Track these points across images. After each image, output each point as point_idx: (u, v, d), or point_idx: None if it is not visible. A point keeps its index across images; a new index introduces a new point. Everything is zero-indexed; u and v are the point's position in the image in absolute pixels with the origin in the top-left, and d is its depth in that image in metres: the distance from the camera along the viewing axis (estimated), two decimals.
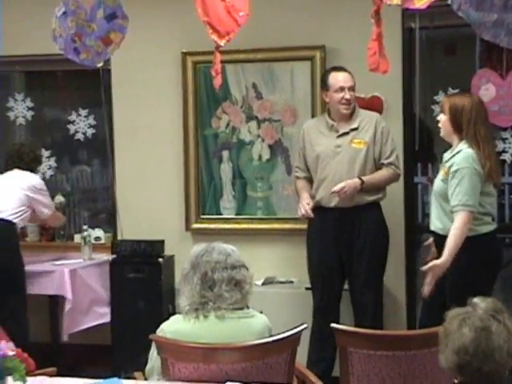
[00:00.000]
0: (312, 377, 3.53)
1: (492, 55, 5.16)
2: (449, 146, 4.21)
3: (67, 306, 5.31)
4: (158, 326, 3.14)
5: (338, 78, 4.84)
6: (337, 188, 4.72)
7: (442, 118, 4.19)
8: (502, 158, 5.28)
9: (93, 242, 5.78)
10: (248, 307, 3.15)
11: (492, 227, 4.14)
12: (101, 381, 3.02)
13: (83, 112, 6.19)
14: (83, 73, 5.68)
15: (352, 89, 4.84)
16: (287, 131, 5.57)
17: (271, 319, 3.21)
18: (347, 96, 4.81)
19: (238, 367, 2.96)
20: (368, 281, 4.85)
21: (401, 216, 5.38)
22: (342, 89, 4.81)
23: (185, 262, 3.18)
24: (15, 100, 6.33)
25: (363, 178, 4.78)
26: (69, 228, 6.22)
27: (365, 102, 5.28)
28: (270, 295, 5.22)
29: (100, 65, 4.91)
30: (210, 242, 3.20)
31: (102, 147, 6.02)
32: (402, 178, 5.13)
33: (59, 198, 6.06)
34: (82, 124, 6.20)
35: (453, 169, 4.02)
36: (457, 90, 5.16)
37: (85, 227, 5.77)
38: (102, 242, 5.94)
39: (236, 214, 5.72)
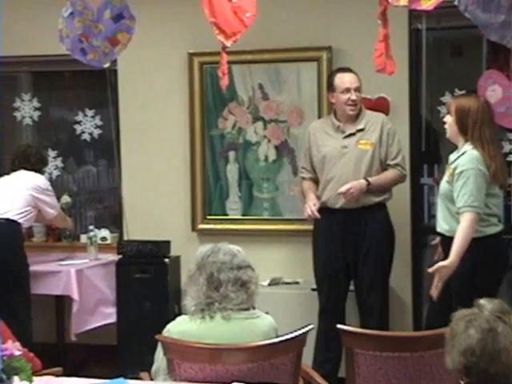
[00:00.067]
0: (318, 378, 3.53)
1: (499, 56, 5.15)
2: (455, 148, 4.21)
3: (75, 307, 5.31)
4: (163, 327, 3.15)
5: (344, 79, 4.84)
6: (343, 189, 4.72)
7: (448, 120, 4.19)
8: (508, 159, 5.26)
9: (99, 242, 5.78)
10: (254, 308, 3.15)
11: (498, 228, 4.13)
12: (107, 381, 3.02)
13: (90, 112, 6.20)
14: (90, 73, 5.70)
15: (358, 90, 4.84)
16: (293, 132, 5.57)
17: (277, 320, 3.21)
18: (353, 97, 4.80)
19: (244, 368, 2.96)
20: (374, 282, 4.85)
21: (407, 217, 5.38)
22: (348, 90, 4.81)
23: (191, 263, 3.18)
24: (22, 100, 6.34)
25: (369, 179, 4.77)
26: (75, 228, 6.22)
27: (371, 103, 5.27)
28: (275, 296, 5.21)
29: (107, 65, 4.93)
30: (215, 243, 3.20)
31: (108, 148, 6.02)
32: (408, 179, 5.13)
33: (66, 198, 6.07)
34: (88, 124, 6.21)
35: (458, 170, 4.02)
36: (463, 91, 5.16)
37: (91, 227, 5.78)
38: (108, 242, 5.94)
39: (242, 215, 5.72)
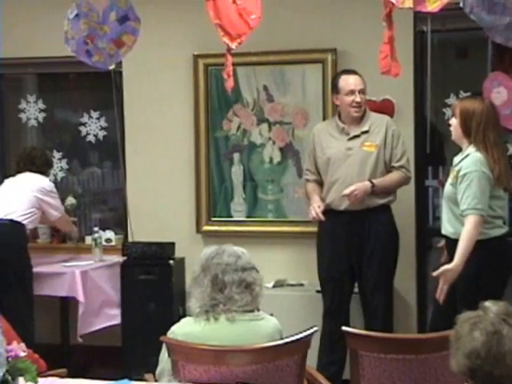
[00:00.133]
0: (322, 379, 3.53)
1: (504, 58, 5.15)
2: (460, 150, 4.21)
3: (80, 310, 5.31)
4: (168, 328, 3.15)
5: (348, 81, 4.84)
6: (347, 191, 4.72)
7: (454, 122, 4.19)
8: None
9: (104, 243, 5.78)
10: (258, 310, 3.15)
11: (504, 230, 4.13)
12: (111, 382, 3.02)
13: (95, 114, 6.21)
14: (95, 75, 5.71)
15: (362, 92, 4.83)
16: (298, 134, 5.57)
17: (282, 322, 3.21)
18: (357, 99, 4.80)
19: (249, 370, 2.96)
20: (378, 284, 4.85)
21: (412, 219, 5.38)
22: (352, 92, 4.81)
23: (195, 265, 3.18)
24: (27, 102, 6.35)
25: (374, 180, 4.77)
26: (80, 230, 6.23)
27: (376, 105, 5.27)
28: (280, 298, 5.21)
29: (112, 67, 4.93)
30: (220, 245, 3.20)
31: (113, 149, 6.02)
32: (412, 181, 5.13)
33: (71, 200, 6.09)
34: (93, 126, 6.21)
35: (461, 173, 4.02)
36: (468, 94, 5.16)
37: (96, 229, 5.78)
38: (113, 243, 5.94)
39: (247, 217, 5.72)
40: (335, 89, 4.90)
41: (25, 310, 5.15)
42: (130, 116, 5.89)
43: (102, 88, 5.88)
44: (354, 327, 3.50)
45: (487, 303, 2.29)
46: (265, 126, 5.64)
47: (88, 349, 5.62)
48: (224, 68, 4.04)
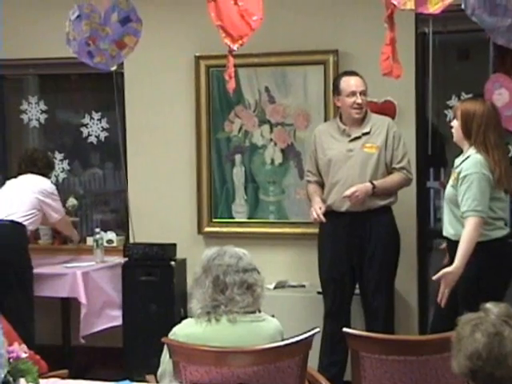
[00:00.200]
0: (323, 381, 3.53)
1: (505, 60, 5.15)
2: (461, 151, 4.21)
3: (83, 311, 5.31)
4: (169, 330, 3.15)
5: (349, 83, 4.84)
6: (348, 192, 4.72)
7: (455, 124, 4.19)
8: None
9: (105, 244, 5.78)
10: (260, 311, 3.15)
11: (505, 232, 4.13)
12: (113, 383, 3.02)
13: (96, 115, 6.21)
14: (96, 76, 5.72)
15: (364, 93, 4.84)
16: (300, 135, 5.57)
17: (283, 323, 3.21)
18: (359, 100, 4.81)
19: (250, 371, 2.96)
20: (379, 285, 4.85)
21: (413, 221, 5.38)
22: (353, 93, 4.81)
23: (197, 266, 3.18)
24: (29, 103, 6.36)
25: (375, 182, 4.78)
26: (81, 231, 6.23)
27: (378, 106, 5.28)
28: (281, 299, 5.21)
29: (114, 68, 4.94)
30: (221, 246, 3.20)
31: (114, 150, 6.03)
32: (414, 183, 5.13)
33: (72, 201, 6.09)
34: (94, 127, 6.22)
35: (461, 174, 4.02)
36: (470, 95, 5.15)
37: (97, 230, 5.78)
38: (114, 244, 5.94)
39: (248, 218, 5.72)
40: (336, 90, 4.90)
41: (25, 311, 5.15)
42: (132, 117, 5.90)
43: (104, 89, 5.88)
44: (354, 328, 3.51)
45: (488, 305, 2.29)
46: (266, 127, 5.64)
47: (89, 350, 5.62)
48: (226, 69, 4.04)
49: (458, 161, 4.16)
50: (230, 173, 5.73)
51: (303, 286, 5.49)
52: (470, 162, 4.02)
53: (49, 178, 5.66)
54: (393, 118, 5.20)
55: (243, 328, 3.05)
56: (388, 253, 4.87)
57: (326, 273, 4.97)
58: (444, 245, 4.40)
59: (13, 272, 5.14)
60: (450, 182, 4.15)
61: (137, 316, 5.42)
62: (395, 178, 4.87)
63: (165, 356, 3.13)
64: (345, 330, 3.21)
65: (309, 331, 3.10)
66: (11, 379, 2.58)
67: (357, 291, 4.99)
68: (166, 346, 3.07)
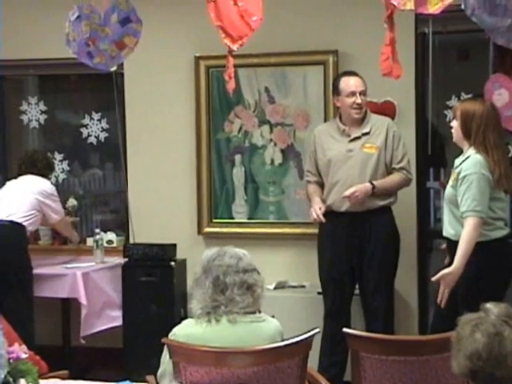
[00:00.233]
0: (323, 381, 3.53)
1: (505, 60, 5.14)
2: (461, 151, 4.21)
3: (83, 312, 5.31)
4: (169, 330, 3.15)
5: (349, 83, 4.84)
6: (348, 192, 4.73)
7: (454, 124, 4.19)
8: None
9: (105, 245, 5.78)
10: (260, 311, 3.15)
11: (505, 232, 4.13)
12: None
13: (96, 116, 6.21)
14: (96, 76, 5.72)
15: (363, 93, 4.84)
16: (299, 136, 5.57)
17: (283, 323, 3.21)
18: (358, 100, 4.81)
19: (250, 371, 2.96)
20: (379, 285, 4.85)
21: (413, 221, 5.38)
22: (353, 93, 4.81)
23: (197, 266, 3.18)
24: (28, 103, 6.36)
25: (374, 182, 4.78)
26: (81, 231, 6.23)
27: (377, 106, 5.28)
28: (281, 299, 5.22)
29: (113, 69, 4.93)
30: (221, 246, 3.20)
31: (114, 151, 6.03)
32: (414, 183, 5.13)
33: (72, 202, 6.09)
34: (94, 127, 6.22)
35: (461, 175, 4.03)
36: (470, 95, 5.16)
37: (97, 231, 5.79)
38: (114, 245, 5.94)
39: (248, 219, 5.72)
40: (336, 90, 4.91)
41: (25, 312, 5.15)
42: (132, 117, 5.90)
43: (104, 89, 5.89)
44: (354, 329, 3.50)
45: (488, 305, 2.29)
46: (266, 127, 5.64)
47: (89, 350, 5.62)
48: (225, 70, 4.04)
49: (457, 161, 4.16)
50: (230, 173, 5.73)
51: (303, 287, 5.49)
52: (470, 163, 4.02)
53: (49, 179, 5.67)
54: (392, 118, 5.21)
55: (243, 328, 3.05)
56: (388, 253, 4.87)
57: (325, 273, 4.97)
58: (445, 245, 4.40)
59: (12, 272, 5.15)
60: (450, 182, 4.15)
61: (137, 316, 5.42)
62: (395, 178, 4.87)
63: (165, 356, 3.13)
64: (345, 330, 3.21)
65: (309, 332, 3.10)
66: (11, 380, 2.58)
67: (357, 291, 4.99)
68: (166, 347, 3.07)
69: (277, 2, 5.10)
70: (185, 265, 5.50)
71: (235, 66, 4.05)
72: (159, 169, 5.84)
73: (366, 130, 4.86)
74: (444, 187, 4.37)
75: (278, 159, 5.64)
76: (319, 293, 5.10)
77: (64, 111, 6.58)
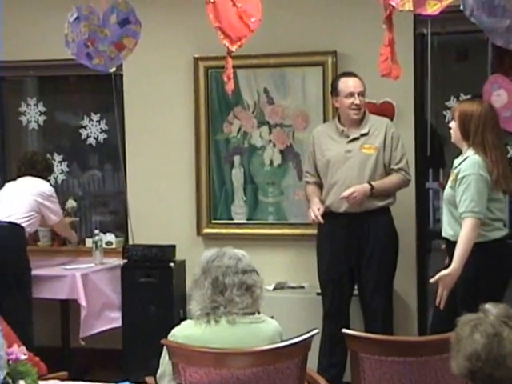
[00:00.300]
0: (323, 382, 3.53)
1: (504, 61, 5.15)
2: (460, 152, 4.21)
3: (83, 313, 5.31)
4: (169, 331, 3.15)
5: (347, 84, 4.85)
6: (346, 193, 4.73)
7: (453, 125, 4.19)
8: None
9: (104, 246, 5.78)
10: (259, 312, 3.15)
11: (503, 233, 4.13)
12: None
13: (95, 117, 6.21)
14: (95, 77, 5.73)
15: (362, 94, 4.84)
16: (299, 136, 5.58)
17: (282, 324, 3.22)
18: (357, 101, 4.81)
19: (249, 372, 2.96)
20: (377, 286, 4.85)
21: (412, 221, 5.38)
22: (351, 94, 4.82)
23: (196, 267, 3.18)
24: (27, 105, 6.36)
25: (373, 183, 4.78)
26: (80, 232, 6.23)
27: (376, 107, 5.28)
28: (280, 300, 5.22)
29: (112, 70, 4.93)
30: (220, 247, 3.20)
31: (113, 152, 6.03)
32: (413, 184, 5.13)
33: (71, 203, 6.09)
34: (93, 129, 6.22)
35: (460, 175, 4.03)
36: (468, 96, 5.16)
37: (96, 232, 5.78)
38: (114, 246, 5.94)
39: (247, 219, 5.72)
40: (335, 91, 4.91)
41: (23, 313, 5.15)
42: (131, 119, 5.90)
43: (103, 91, 5.89)
44: (353, 329, 3.51)
45: (487, 305, 2.29)
46: (265, 128, 5.64)
47: (89, 351, 5.62)
48: (224, 71, 4.05)
49: (456, 162, 4.16)
50: (229, 174, 5.73)
51: (302, 287, 5.49)
52: (468, 163, 4.02)
53: (48, 180, 5.67)
54: (392, 118, 5.21)
55: (242, 329, 3.05)
56: (386, 254, 4.87)
57: (324, 273, 4.97)
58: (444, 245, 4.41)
59: (11, 273, 5.15)
60: (449, 182, 4.16)
61: (136, 318, 5.42)
62: (393, 179, 4.87)
63: (164, 357, 3.13)
64: (344, 330, 3.21)
65: (308, 332, 3.10)
66: (11, 381, 2.58)
67: (355, 292, 4.99)
68: (165, 348, 3.07)
69: (276, 2, 5.11)
70: (184, 266, 5.50)
71: (234, 67, 4.05)
72: (158, 170, 5.84)
73: (365, 130, 4.87)
74: (443, 188, 4.37)
75: (277, 160, 5.64)
76: (318, 293, 5.10)
77: (63, 112, 6.58)
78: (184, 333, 3.10)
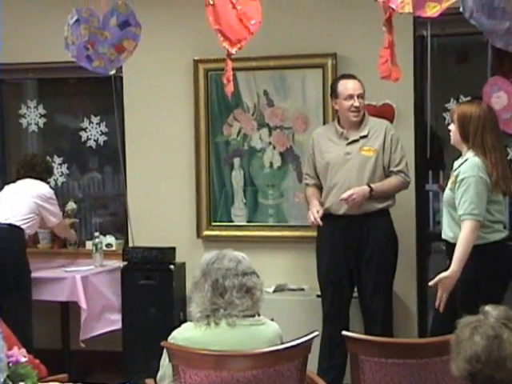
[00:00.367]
0: None
1: (504, 63, 5.15)
2: (460, 154, 4.21)
3: (83, 316, 5.31)
4: (169, 333, 3.15)
5: (347, 86, 4.85)
6: (345, 195, 4.73)
7: (452, 128, 4.19)
8: None
9: (104, 248, 5.78)
10: (259, 314, 3.15)
11: (503, 235, 4.13)
12: None
13: (95, 119, 6.21)
14: (95, 80, 5.72)
15: (361, 96, 4.84)
16: (298, 139, 5.58)
17: (282, 326, 3.21)
18: (356, 103, 4.81)
19: (249, 374, 2.96)
20: (377, 288, 4.85)
21: (412, 223, 5.38)
22: (351, 96, 4.82)
23: (196, 270, 3.18)
24: (27, 107, 6.35)
25: (372, 185, 4.78)
26: (80, 235, 6.23)
27: (376, 109, 5.28)
28: (280, 302, 5.21)
29: (112, 72, 4.93)
30: (220, 250, 3.20)
31: (113, 154, 6.04)
32: (413, 186, 5.13)
33: (71, 205, 6.09)
34: (93, 131, 6.22)
35: (459, 178, 4.03)
36: (468, 98, 5.16)
37: (96, 234, 5.78)
38: (114, 248, 5.94)
39: (247, 222, 5.72)
40: (334, 93, 4.91)
41: (23, 315, 5.15)
42: (131, 121, 5.90)
43: (103, 93, 5.89)
44: (353, 332, 3.51)
45: (487, 307, 2.29)
46: (265, 130, 5.64)
47: (89, 354, 5.61)
48: (224, 73, 4.05)
49: (456, 163, 4.16)
50: (229, 176, 5.73)
51: (302, 290, 5.49)
52: (468, 165, 4.03)
53: (47, 183, 5.67)
54: (391, 121, 5.21)
55: (242, 332, 3.05)
56: (385, 256, 4.87)
57: (323, 276, 4.97)
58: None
59: (11, 275, 5.14)
60: (449, 184, 4.16)
61: (136, 320, 5.41)
62: (393, 181, 4.87)
63: (164, 360, 3.13)
64: (344, 333, 3.21)
65: (308, 335, 3.10)
66: (11, 383, 2.58)
67: (355, 294, 4.99)
68: (165, 350, 3.07)
69: (275, 5, 5.11)
70: (184, 268, 5.50)
71: (234, 70, 4.05)
72: (158, 172, 5.84)
73: (364, 132, 4.87)
74: (443, 190, 4.37)
75: (277, 162, 5.64)
76: (318, 296, 5.10)
77: (63, 115, 6.59)
78: (184, 335, 3.10)
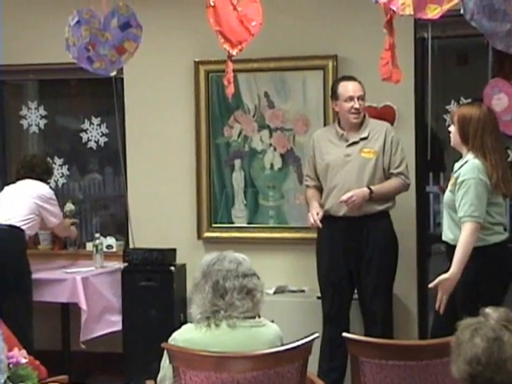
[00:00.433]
0: None
1: (504, 65, 5.15)
2: (460, 155, 4.21)
3: (83, 317, 5.31)
4: (169, 335, 3.15)
5: (347, 88, 4.85)
6: (345, 197, 4.73)
7: (453, 129, 4.19)
8: None
9: (105, 250, 5.78)
10: (259, 316, 3.15)
11: (503, 237, 4.13)
12: None
13: (96, 120, 6.21)
14: (96, 81, 5.72)
15: (362, 98, 4.84)
16: (299, 140, 5.58)
17: (282, 328, 3.21)
18: (356, 105, 4.81)
19: (250, 376, 2.96)
20: (377, 289, 4.85)
21: (412, 225, 5.37)
22: (351, 98, 4.82)
23: (196, 271, 3.18)
24: (28, 108, 6.36)
25: (372, 187, 4.78)
26: (81, 236, 6.23)
27: (377, 111, 5.28)
28: (281, 304, 5.21)
29: (113, 73, 4.93)
30: (221, 251, 3.20)
31: (114, 156, 6.04)
32: (413, 188, 5.13)
33: (69, 206, 6.08)
34: (94, 132, 6.22)
35: (459, 180, 4.03)
36: (469, 100, 5.16)
37: (97, 235, 5.78)
38: (114, 250, 5.94)
39: (248, 223, 5.72)
40: (334, 95, 4.91)
41: (23, 316, 5.15)
42: (131, 122, 5.90)
43: (103, 94, 5.89)
44: (353, 333, 3.51)
45: (488, 309, 2.29)
46: (266, 132, 5.64)
47: (89, 355, 5.61)
48: (225, 74, 4.05)
49: (456, 165, 4.16)
50: (230, 178, 5.73)
51: (303, 291, 5.49)
52: (468, 167, 4.03)
53: (47, 183, 5.67)
54: (392, 122, 5.21)
55: (243, 333, 3.05)
56: (386, 258, 4.87)
57: (323, 277, 4.97)
58: None
59: (11, 276, 5.14)
60: (449, 186, 4.16)
61: (137, 321, 5.41)
62: (393, 183, 4.87)
63: (165, 361, 3.13)
64: (344, 334, 3.21)
65: (308, 336, 3.10)
66: None
67: (355, 296, 4.99)
68: (165, 352, 3.07)
69: (276, 7, 5.12)
70: (184, 269, 5.50)
71: (234, 71, 4.06)
72: (159, 173, 5.84)
73: (365, 134, 4.87)
74: (443, 191, 4.37)
75: (278, 164, 5.64)
76: (319, 297, 5.09)
77: (64, 116, 6.59)
78: (184, 336, 3.10)
